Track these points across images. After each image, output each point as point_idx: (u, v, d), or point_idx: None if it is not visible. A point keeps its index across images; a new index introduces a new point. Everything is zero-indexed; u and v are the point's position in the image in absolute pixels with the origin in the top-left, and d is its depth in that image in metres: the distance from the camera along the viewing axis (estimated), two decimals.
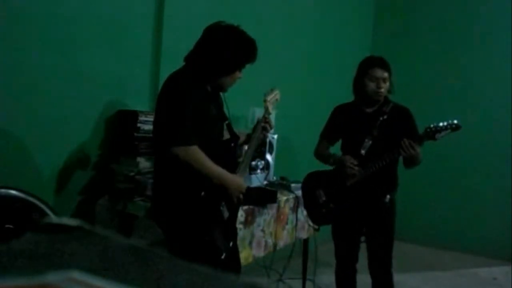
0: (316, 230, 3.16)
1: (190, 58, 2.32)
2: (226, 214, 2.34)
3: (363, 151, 2.77)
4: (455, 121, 2.60)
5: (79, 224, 0.44)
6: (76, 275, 0.36)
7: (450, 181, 5.39)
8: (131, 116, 2.84)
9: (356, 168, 2.76)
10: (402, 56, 5.37)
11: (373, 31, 5.90)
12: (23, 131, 2.55)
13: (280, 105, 2.85)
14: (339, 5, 5.19)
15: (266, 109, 2.53)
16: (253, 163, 3.24)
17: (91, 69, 2.84)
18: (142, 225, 2.67)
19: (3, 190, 2.23)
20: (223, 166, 2.26)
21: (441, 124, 2.60)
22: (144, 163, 2.79)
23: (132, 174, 2.74)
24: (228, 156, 2.39)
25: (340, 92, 4.76)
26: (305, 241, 3.67)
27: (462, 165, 5.30)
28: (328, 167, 2.99)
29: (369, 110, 2.84)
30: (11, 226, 2.21)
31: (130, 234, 2.72)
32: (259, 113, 3.20)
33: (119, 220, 2.80)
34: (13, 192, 2.26)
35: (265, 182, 3.41)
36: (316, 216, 3.02)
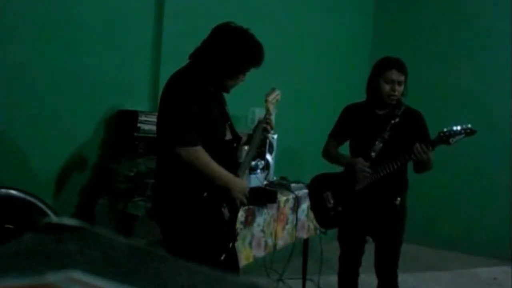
0: (323, 233, 3.11)
1: (195, 56, 2.29)
2: (227, 215, 2.33)
3: (373, 154, 2.71)
4: (469, 126, 2.55)
5: (79, 224, 0.44)
6: (76, 275, 0.36)
7: (449, 182, 5.38)
8: (131, 116, 2.84)
9: (368, 170, 2.70)
10: (402, 56, 5.36)
11: (373, 31, 5.90)
12: (23, 131, 2.55)
13: (280, 105, 2.84)
14: (340, 5, 5.18)
15: (267, 109, 2.51)
16: (253, 163, 3.23)
17: (91, 69, 2.84)
18: (142, 225, 2.67)
19: (3, 190, 2.23)
20: (225, 167, 2.24)
21: (455, 128, 2.55)
22: (144, 163, 2.79)
23: (132, 174, 2.74)
24: (230, 156, 2.38)
25: (340, 91, 4.79)
26: (305, 241, 3.67)
27: (461, 165, 5.29)
28: (335, 169, 2.92)
29: (380, 112, 2.77)
30: (11, 226, 2.22)
31: (130, 234, 2.71)
32: (259, 113, 3.19)
33: (119, 220, 2.80)
34: (13, 192, 2.26)
35: (265, 182, 3.40)
36: (324, 219, 2.96)
